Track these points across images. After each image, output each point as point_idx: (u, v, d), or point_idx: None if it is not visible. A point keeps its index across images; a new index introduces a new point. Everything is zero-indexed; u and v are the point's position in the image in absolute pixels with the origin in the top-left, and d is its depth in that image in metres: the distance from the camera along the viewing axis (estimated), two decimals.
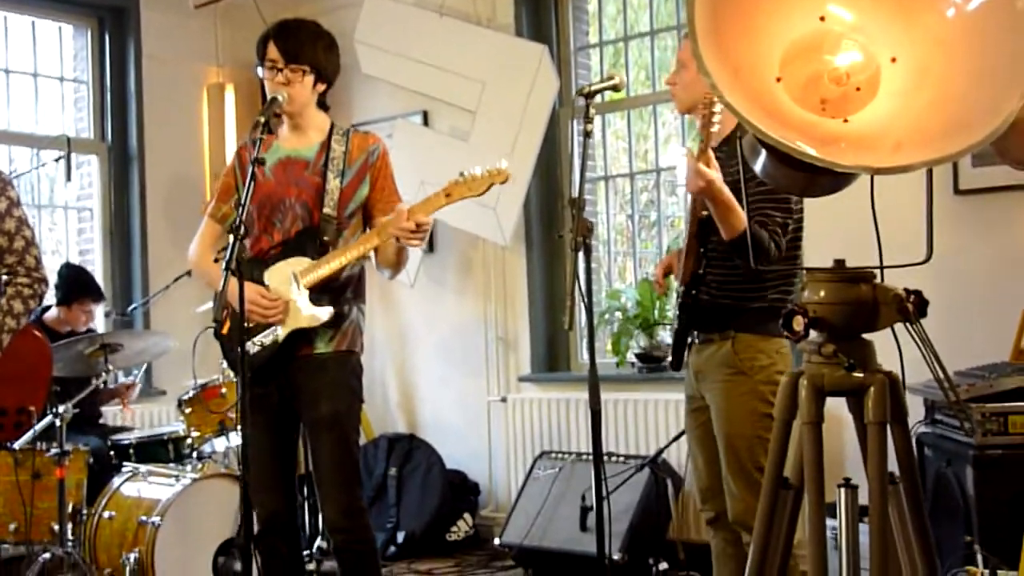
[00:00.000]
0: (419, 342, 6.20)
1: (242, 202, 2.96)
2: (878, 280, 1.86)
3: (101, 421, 5.40)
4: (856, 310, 1.82)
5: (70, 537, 4.37)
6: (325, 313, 3.24)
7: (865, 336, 1.85)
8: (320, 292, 3.24)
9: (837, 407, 1.92)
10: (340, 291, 3.31)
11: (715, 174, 2.87)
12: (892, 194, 1.96)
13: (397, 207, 3.23)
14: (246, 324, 3.16)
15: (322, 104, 3.43)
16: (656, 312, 5.32)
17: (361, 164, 3.37)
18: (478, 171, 3.27)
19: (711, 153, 2.92)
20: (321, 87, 3.37)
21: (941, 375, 1.88)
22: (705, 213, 3.05)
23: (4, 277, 3.39)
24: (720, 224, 2.95)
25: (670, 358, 3.40)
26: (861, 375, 1.81)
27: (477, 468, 5.84)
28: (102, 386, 4.86)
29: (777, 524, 1.90)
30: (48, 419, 4.34)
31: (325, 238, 3.28)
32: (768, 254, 2.97)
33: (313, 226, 3.28)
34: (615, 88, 3.27)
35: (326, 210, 3.28)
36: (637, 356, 5.33)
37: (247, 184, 2.99)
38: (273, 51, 3.27)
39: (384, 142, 3.49)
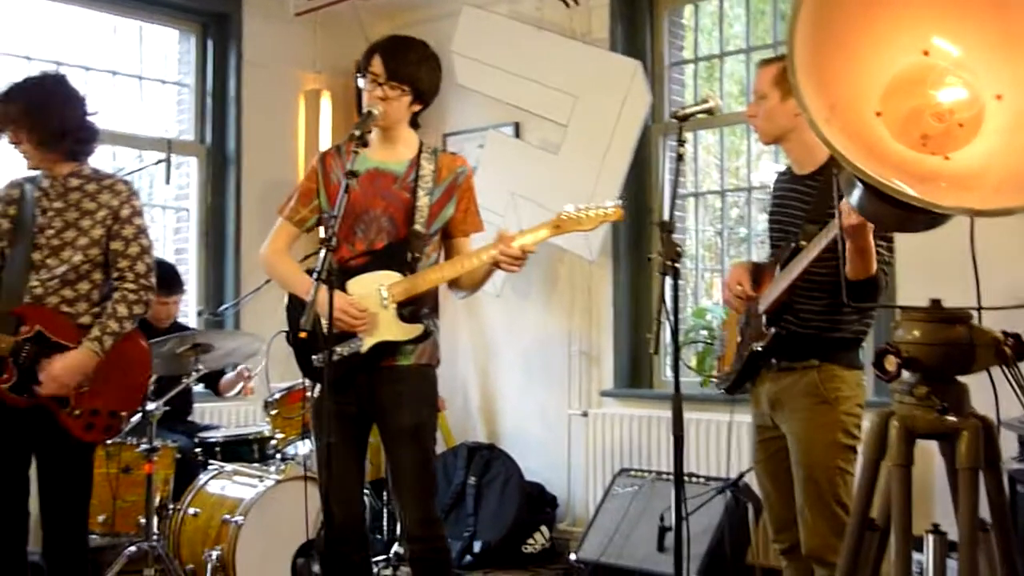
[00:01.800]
0: (502, 352, 6.21)
1: (335, 214, 2.98)
2: (975, 321, 1.81)
3: (190, 418, 5.50)
4: (951, 352, 1.78)
5: (155, 531, 4.45)
6: (416, 330, 3.26)
7: (960, 379, 1.81)
8: (404, 306, 3.26)
9: (926, 446, 1.87)
10: (423, 305, 3.32)
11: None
12: (991, 232, 1.91)
13: (499, 231, 3.26)
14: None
15: (413, 122, 3.44)
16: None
17: (449, 184, 3.38)
18: (589, 209, 3.30)
19: None
20: (417, 107, 3.38)
21: None
22: (804, 243, 2.99)
23: (114, 281, 3.47)
24: (851, 263, 2.79)
25: (731, 383, 3.35)
26: (954, 419, 1.77)
27: (556, 481, 5.83)
28: (192, 385, 4.94)
29: (862, 567, 1.86)
30: (139, 415, 4.44)
31: (416, 254, 3.30)
32: (880, 293, 2.92)
33: (401, 241, 3.29)
34: (710, 112, 3.24)
35: (416, 226, 3.30)
36: (709, 376, 5.26)
37: (340, 197, 3.00)
38: (377, 65, 3.28)
39: (469, 165, 3.51)
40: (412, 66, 3.32)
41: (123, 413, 3.52)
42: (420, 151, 3.40)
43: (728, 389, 3.35)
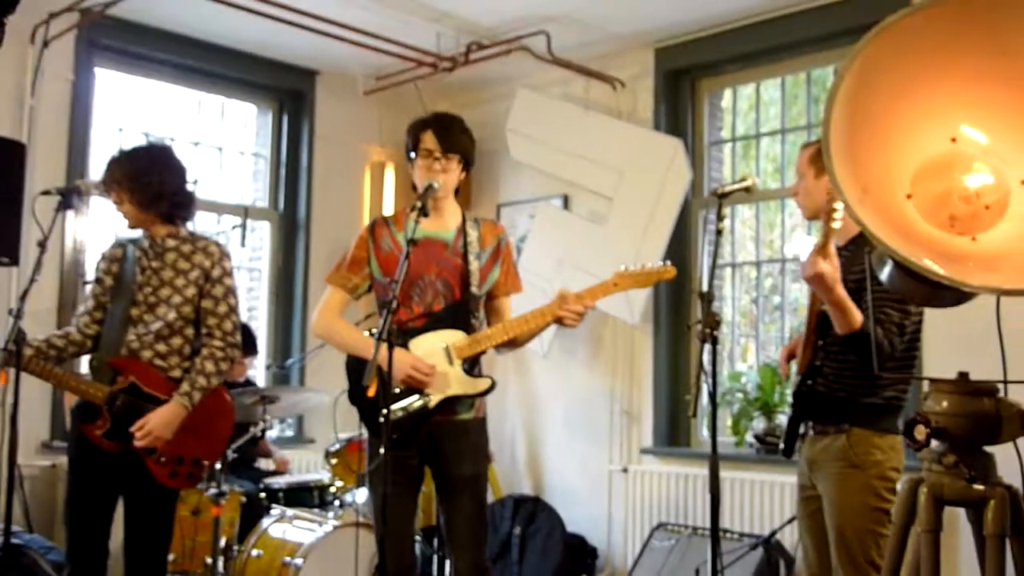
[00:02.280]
0: (548, 409, 6.18)
1: (397, 279, 3.00)
2: (1001, 394, 1.78)
3: (256, 465, 5.52)
4: (978, 423, 1.75)
5: (221, 570, 4.44)
6: (484, 383, 3.28)
7: (987, 449, 1.77)
8: (467, 362, 3.28)
9: (955, 514, 1.83)
10: (477, 361, 3.34)
11: (827, 268, 2.78)
12: (1017, 308, 1.88)
13: (559, 291, 3.28)
14: (396, 390, 3.22)
15: (455, 191, 3.49)
16: (776, 396, 5.21)
17: (494, 249, 3.42)
18: (643, 266, 3.34)
19: (831, 248, 2.84)
20: (463, 176, 3.43)
21: None
22: (823, 307, 2.98)
23: (203, 339, 3.50)
24: (832, 318, 2.86)
25: (782, 445, 3.31)
26: (982, 487, 1.74)
27: (596, 533, 5.76)
28: (259, 434, 4.97)
29: None
30: None
31: (476, 314, 3.33)
32: (880, 351, 2.87)
33: (459, 302, 3.31)
34: (747, 190, 3.24)
35: (472, 289, 3.32)
36: (756, 437, 5.21)
37: (401, 263, 3.02)
38: (431, 141, 3.32)
39: (506, 232, 3.55)
40: (461, 137, 3.38)
41: (206, 462, 3.53)
42: (464, 220, 3.44)
43: (784, 452, 3.31)
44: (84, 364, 3.91)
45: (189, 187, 3.57)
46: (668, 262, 3.38)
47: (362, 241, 3.45)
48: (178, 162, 3.57)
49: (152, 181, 3.43)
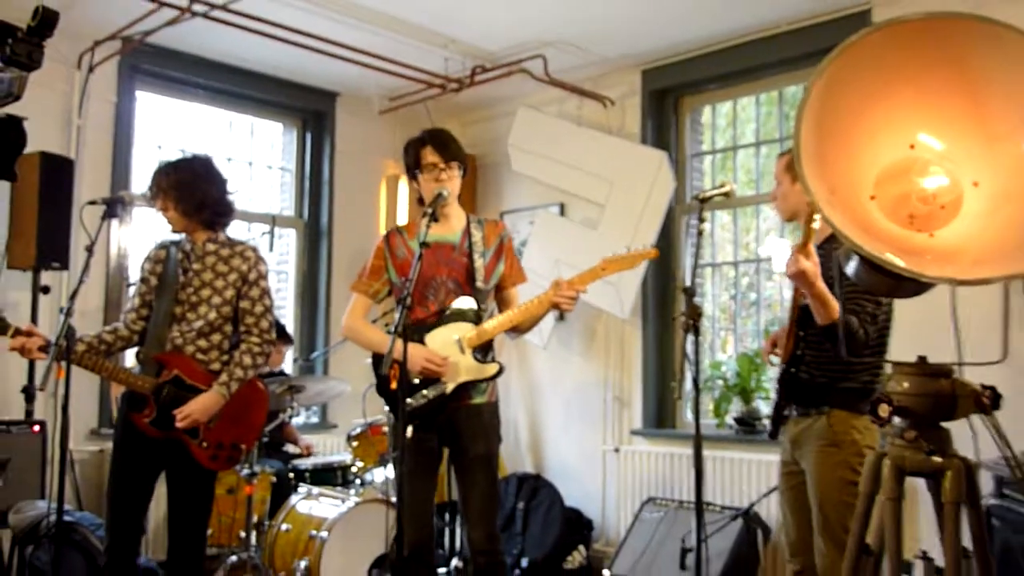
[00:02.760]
0: (547, 396, 6.18)
1: (411, 278, 3.01)
2: (957, 375, 1.78)
3: (284, 448, 5.52)
4: (936, 401, 1.75)
5: (253, 544, 4.46)
6: (491, 368, 3.29)
7: (944, 424, 1.77)
8: (478, 351, 3.28)
9: (915, 483, 1.83)
10: (490, 349, 3.35)
11: (809, 264, 2.76)
12: (970, 296, 1.88)
13: (554, 280, 3.26)
14: (415, 380, 3.24)
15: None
16: (753, 382, 5.21)
17: (497, 246, 3.42)
18: (627, 249, 3.30)
19: (811, 247, 2.83)
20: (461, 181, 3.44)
21: (1011, 456, 1.79)
22: (804, 301, 2.98)
23: (241, 335, 3.50)
24: (813, 310, 2.85)
25: (769, 427, 3.30)
26: (940, 460, 1.74)
27: (591, 507, 5.76)
28: (287, 420, 4.97)
29: None
30: None
31: (482, 307, 3.33)
32: (856, 339, 2.87)
33: (468, 298, 3.32)
34: (726, 194, 3.24)
35: (478, 284, 3.33)
36: (735, 420, 5.21)
37: (414, 265, 3.04)
38: (432, 155, 3.34)
39: (507, 228, 3.54)
40: (456, 147, 3.39)
41: (243, 446, 3.53)
42: (468, 222, 3.44)
43: (771, 434, 3.30)
44: (130, 357, 3.92)
45: (229, 197, 3.57)
46: (650, 245, 3.34)
47: (379, 251, 3.46)
48: (219, 174, 3.56)
49: (196, 191, 3.43)
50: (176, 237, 3.56)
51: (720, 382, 5.33)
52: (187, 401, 3.34)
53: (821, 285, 2.79)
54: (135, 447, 3.37)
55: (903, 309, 2.92)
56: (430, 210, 3.14)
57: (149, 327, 3.46)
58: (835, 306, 2.79)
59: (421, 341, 3.27)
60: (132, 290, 3.58)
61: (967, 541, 1.75)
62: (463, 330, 3.28)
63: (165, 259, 3.51)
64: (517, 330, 3.39)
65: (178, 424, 3.31)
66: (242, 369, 3.42)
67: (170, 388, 3.36)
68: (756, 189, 5.60)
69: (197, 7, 4.58)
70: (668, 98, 5.82)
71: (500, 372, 3.32)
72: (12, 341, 3.25)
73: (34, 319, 4.62)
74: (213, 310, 3.43)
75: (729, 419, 5.26)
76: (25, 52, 1.84)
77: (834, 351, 2.96)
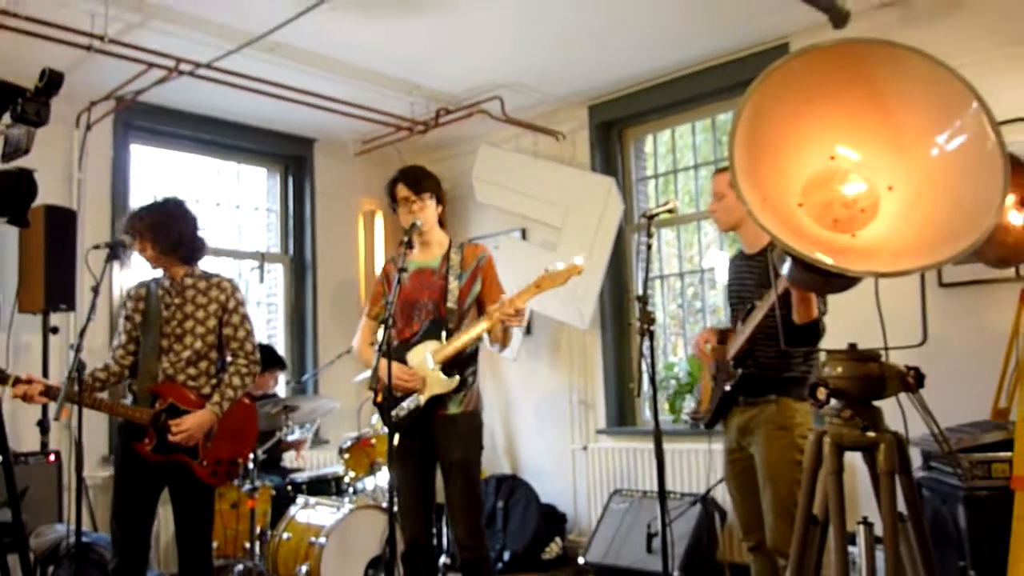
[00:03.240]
0: (519, 403, 6.16)
1: (391, 300, 3.02)
2: (884, 359, 1.81)
3: (282, 464, 5.45)
4: (867, 383, 1.77)
5: (257, 553, 4.40)
6: (453, 382, 3.25)
7: (875, 403, 1.79)
8: (451, 366, 3.26)
9: (853, 457, 1.85)
10: (466, 364, 3.31)
11: None
12: (892, 289, 1.91)
13: (501, 298, 3.26)
14: (395, 393, 3.22)
15: (440, 223, 3.47)
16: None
17: (473, 268, 3.40)
18: (560, 266, 3.28)
19: None
20: (439, 208, 3.44)
21: (937, 432, 1.81)
22: (758, 303, 2.97)
23: (228, 358, 3.46)
24: (797, 311, 2.76)
25: (710, 418, 3.29)
26: (873, 434, 1.75)
27: (565, 502, 5.74)
28: (285, 438, 4.92)
29: (808, 554, 1.82)
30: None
31: (450, 326, 3.30)
32: (819, 336, 2.90)
33: (440, 317, 3.31)
34: (670, 211, 3.26)
35: (449, 304, 3.32)
36: (689, 415, 5.23)
37: (393, 288, 3.06)
38: (404, 190, 3.37)
39: (489, 251, 3.50)
40: (425, 179, 3.40)
41: (240, 460, 3.49)
42: (450, 247, 3.43)
43: (707, 424, 3.30)
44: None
45: (201, 233, 3.51)
46: (580, 259, 3.29)
47: (379, 279, 3.51)
48: (190, 212, 3.50)
49: (172, 231, 3.38)
50: (156, 274, 3.51)
51: (673, 382, 5.35)
52: None
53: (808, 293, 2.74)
54: (136, 471, 3.30)
55: (834, 301, 2.95)
56: (405, 239, 3.14)
57: (139, 361, 3.40)
58: (815, 308, 2.77)
59: (403, 358, 3.26)
60: (119, 326, 3.50)
61: (902, 507, 1.76)
62: (433, 347, 3.28)
63: (146, 296, 3.45)
64: (493, 342, 3.35)
65: (173, 438, 3.25)
66: (232, 389, 3.38)
67: (166, 416, 3.31)
68: (696, 207, 5.65)
69: (184, 67, 4.56)
70: (613, 129, 5.87)
71: (460, 386, 3.26)
72: (14, 390, 3.17)
73: (45, 357, 4.55)
74: (198, 339, 3.38)
75: (684, 415, 5.28)
76: (34, 110, 1.84)
77: (778, 347, 2.99)
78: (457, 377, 3.26)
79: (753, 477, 3.13)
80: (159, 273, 3.49)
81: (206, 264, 3.57)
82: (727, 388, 3.14)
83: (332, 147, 6.36)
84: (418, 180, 3.37)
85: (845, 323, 3.12)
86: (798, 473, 2.97)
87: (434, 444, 3.26)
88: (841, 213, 1.80)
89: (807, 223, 1.77)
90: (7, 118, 1.88)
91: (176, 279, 3.45)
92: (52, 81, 1.88)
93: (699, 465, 5.03)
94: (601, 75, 5.39)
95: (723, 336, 3.27)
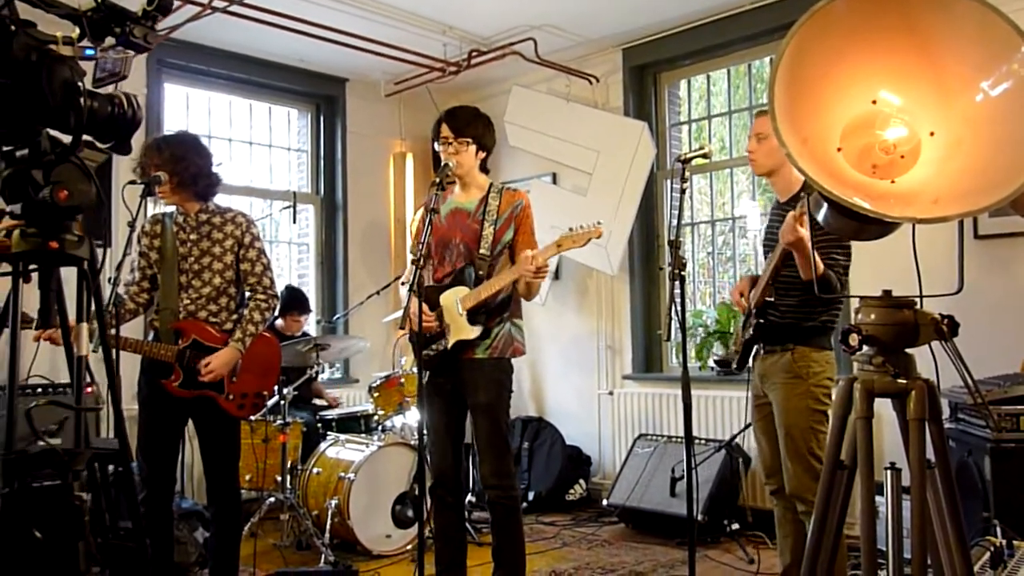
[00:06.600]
0: (546, 347, 6.20)
1: (424, 240, 3.04)
2: (918, 306, 1.80)
3: (313, 401, 5.55)
4: (901, 330, 1.75)
5: (288, 486, 4.51)
6: (475, 331, 3.25)
7: (908, 351, 1.79)
8: (479, 312, 3.26)
9: (882, 405, 1.85)
10: (495, 311, 3.29)
11: (805, 232, 2.73)
12: (928, 240, 1.89)
13: (523, 254, 3.21)
14: (425, 334, 3.25)
15: (483, 168, 3.43)
16: (731, 328, 5.23)
17: (508, 215, 3.36)
18: (582, 228, 3.23)
19: (806, 218, 2.80)
20: (482, 155, 3.38)
21: (970, 382, 1.80)
22: (778, 261, 2.97)
23: (247, 293, 3.48)
24: (801, 269, 2.84)
25: (736, 362, 3.32)
26: (904, 382, 1.75)
27: (589, 445, 5.81)
28: (314, 376, 4.99)
29: (834, 498, 1.84)
30: (275, 398, 4.49)
31: (480, 272, 3.29)
32: (833, 290, 2.89)
33: (471, 263, 3.31)
34: (705, 156, 3.22)
35: (481, 250, 3.30)
36: (716, 362, 5.24)
37: (426, 227, 3.07)
38: (445, 129, 3.31)
39: (528, 198, 3.46)
40: (471, 124, 3.33)
41: (265, 393, 3.54)
42: (488, 191, 3.39)
43: (737, 366, 3.31)
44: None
45: (215, 169, 3.45)
46: (599, 223, 3.26)
47: (420, 221, 3.42)
48: (206, 148, 3.44)
49: (190, 164, 3.33)
50: (168, 209, 3.48)
51: (701, 329, 5.35)
52: None
53: (810, 250, 2.74)
54: (162, 406, 3.34)
55: (869, 250, 2.93)
56: (437, 179, 3.13)
57: (158, 299, 3.40)
58: (820, 265, 2.80)
59: (437, 299, 3.29)
60: (134, 262, 3.45)
61: (930, 454, 1.77)
62: (462, 293, 3.28)
63: (161, 232, 3.43)
64: (521, 294, 3.33)
65: (203, 378, 3.30)
66: (253, 324, 3.40)
67: (191, 352, 3.34)
68: (729, 154, 5.58)
69: (217, 3, 4.54)
70: (647, 73, 5.79)
71: (487, 334, 3.25)
72: (36, 332, 3.20)
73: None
74: (216, 275, 3.38)
75: (711, 362, 5.28)
76: (143, 34, 1.73)
77: (799, 296, 2.99)
78: (479, 328, 3.24)
79: (774, 423, 3.16)
80: (171, 209, 3.46)
81: (236, 202, 3.56)
82: (747, 336, 3.16)
83: (364, 87, 6.33)
84: (461, 122, 3.31)
85: (880, 271, 3.11)
86: (814, 422, 3.01)
87: (462, 385, 3.30)
88: (880, 158, 1.77)
89: (846, 168, 1.74)
90: (108, 42, 1.77)
91: (190, 215, 3.42)
92: (162, 4, 1.76)
93: (724, 411, 5.05)
94: (636, 18, 5.30)
95: (756, 284, 3.27)
